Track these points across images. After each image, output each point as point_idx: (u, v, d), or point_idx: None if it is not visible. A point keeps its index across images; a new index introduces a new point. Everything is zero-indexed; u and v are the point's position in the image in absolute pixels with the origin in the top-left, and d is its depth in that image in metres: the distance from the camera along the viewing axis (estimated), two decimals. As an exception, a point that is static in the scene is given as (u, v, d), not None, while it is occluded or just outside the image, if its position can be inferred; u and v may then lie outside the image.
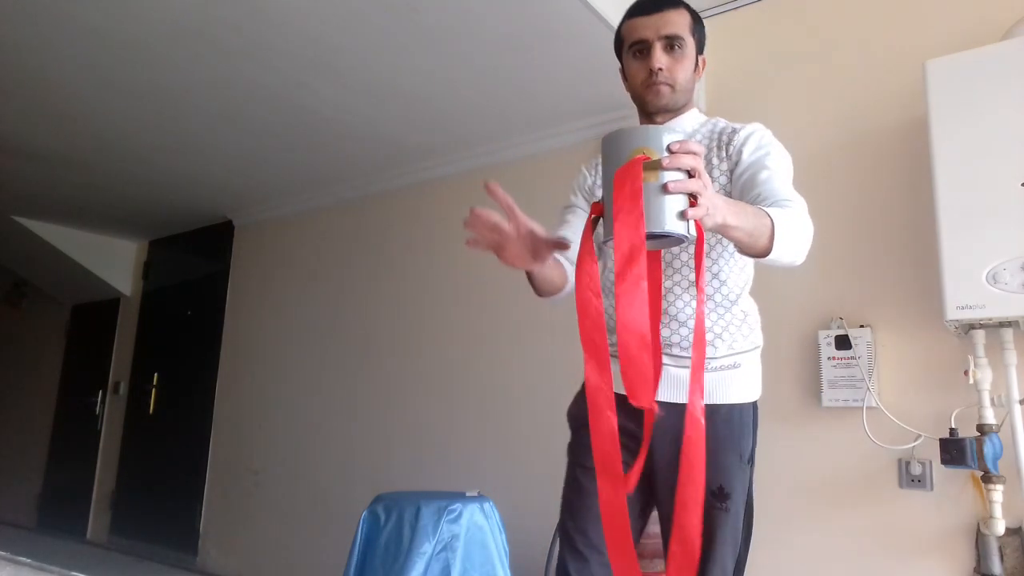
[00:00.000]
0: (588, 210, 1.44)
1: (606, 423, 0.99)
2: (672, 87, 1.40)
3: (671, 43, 1.39)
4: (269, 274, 4.70)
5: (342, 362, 4.08)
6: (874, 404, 2.29)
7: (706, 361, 1.34)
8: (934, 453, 2.11)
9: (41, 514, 5.86)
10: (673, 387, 1.34)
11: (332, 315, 4.20)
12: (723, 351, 1.35)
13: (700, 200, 0.95)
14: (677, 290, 1.36)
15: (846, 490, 2.34)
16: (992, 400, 2.06)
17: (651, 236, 0.95)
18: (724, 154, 1.41)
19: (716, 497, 1.28)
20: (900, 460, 2.25)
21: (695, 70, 1.44)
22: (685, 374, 1.33)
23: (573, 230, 1.45)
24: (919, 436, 2.21)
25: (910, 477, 2.22)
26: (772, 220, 1.14)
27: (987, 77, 2.03)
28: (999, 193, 1.95)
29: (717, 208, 0.99)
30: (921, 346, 2.28)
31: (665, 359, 1.34)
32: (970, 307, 1.95)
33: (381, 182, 4.06)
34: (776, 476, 2.47)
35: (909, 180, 2.34)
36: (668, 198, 0.93)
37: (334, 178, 4.17)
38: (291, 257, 4.57)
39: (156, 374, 5.30)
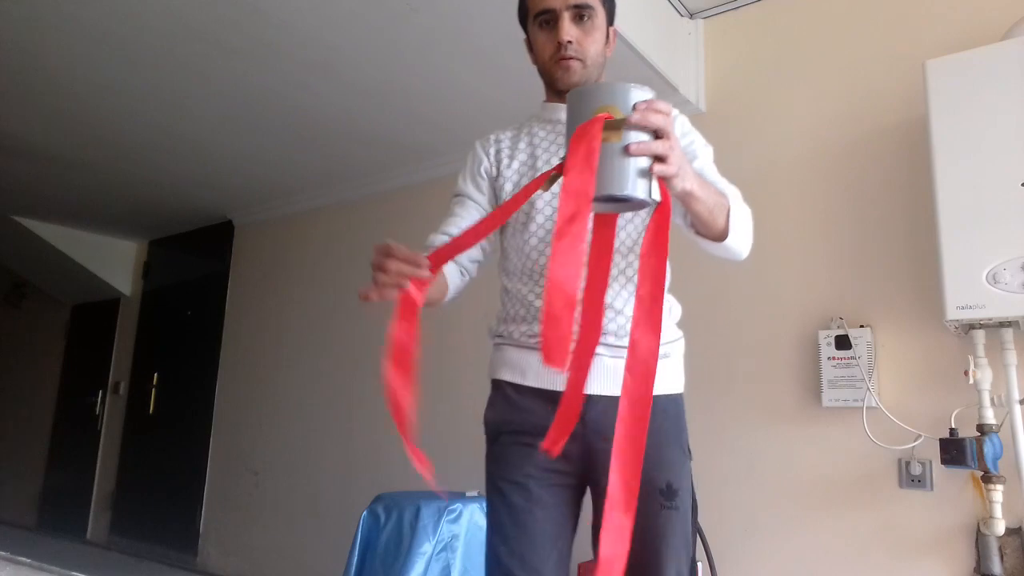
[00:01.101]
0: (483, 202, 1.39)
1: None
2: (583, 62, 1.30)
3: (580, 13, 1.28)
4: (269, 274, 4.69)
5: (342, 362, 4.08)
6: (874, 404, 2.29)
7: None
8: (934, 453, 2.11)
9: (41, 514, 5.86)
10: (609, 378, 1.25)
11: (332, 315, 4.20)
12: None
13: (669, 160, 0.89)
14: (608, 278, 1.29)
15: (846, 490, 2.34)
16: (992, 400, 2.06)
17: (610, 199, 0.88)
18: None
19: (665, 495, 1.22)
20: (900, 460, 2.25)
21: (606, 42, 1.34)
22: (622, 365, 1.28)
23: (461, 226, 1.35)
24: (919, 436, 2.21)
25: (910, 477, 2.22)
26: (728, 202, 1.11)
27: (987, 77, 2.03)
28: (999, 193, 1.95)
29: (686, 173, 0.93)
30: (921, 346, 2.28)
31: (600, 349, 1.24)
32: (970, 307, 1.95)
33: (381, 182, 4.05)
34: (776, 476, 2.47)
35: (909, 180, 2.34)
36: (631, 160, 0.87)
37: (334, 178, 4.17)
38: (291, 257, 4.57)
39: (156, 374, 5.30)
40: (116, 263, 5.65)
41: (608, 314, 1.27)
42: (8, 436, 6.50)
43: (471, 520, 2.46)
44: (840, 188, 2.51)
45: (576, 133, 0.87)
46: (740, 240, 1.16)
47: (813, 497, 2.39)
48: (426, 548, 2.35)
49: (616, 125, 0.87)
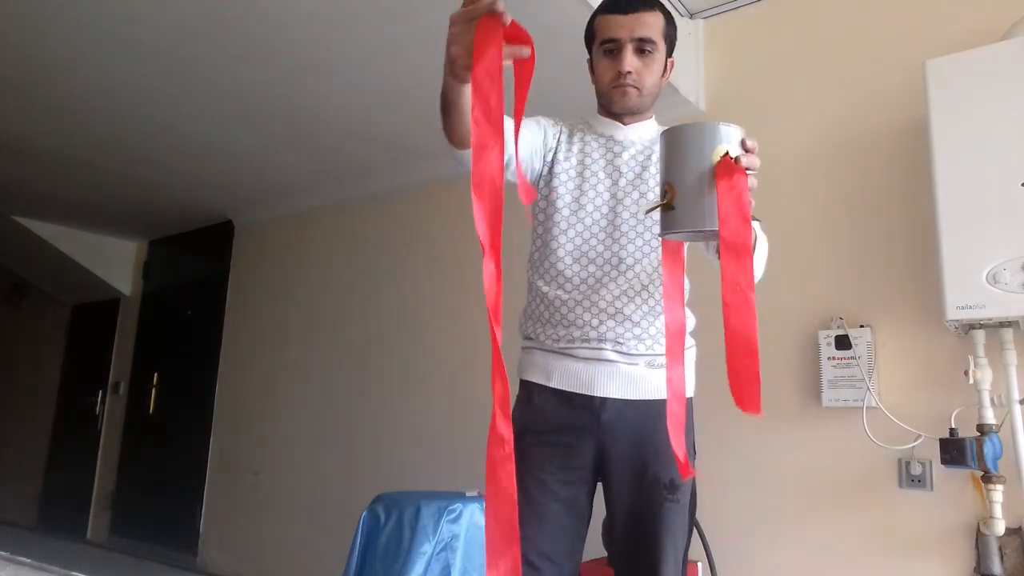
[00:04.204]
0: (544, 139, 1.43)
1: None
2: (640, 90, 1.41)
3: (642, 46, 1.39)
4: (269, 274, 4.69)
5: (342, 362, 4.08)
6: (874, 404, 2.29)
7: (653, 358, 1.37)
8: (934, 453, 2.11)
9: (41, 514, 5.86)
10: (624, 383, 1.36)
11: (332, 315, 4.20)
12: None
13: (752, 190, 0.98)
14: (631, 292, 1.38)
15: (846, 490, 2.34)
16: (992, 400, 2.06)
17: (700, 231, 0.96)
18: None
19: (668, 490, 1.32)
20: (900, 460, 2.25)
21: (663, 73, 1.45)
22: (636, 371, 1.36)
23: (528, 131, 1.40)
24: (919, 436, 2.21)
25: (910, 477, 2.22)
26: (756, 232, 1.20)
27: (987, 77, 2.03)
28: (999, 193, 1.95)
29: None
30: (921, 346, 2.28)
31: (617, 356, 1.36)
32: (970, 307, 1.95)
33: (381, 182, 4.05)
34: (776, 476, 2.47)
35: (909, 180, 2.34)
36: None
37: (334, 178, 4.17)
38: (291, 257, 4.57)
39: (156, 374, 5.30)
40: (116, 263, 5.65)
41: (626, 324, 1.37)
42: (8, 436, 6.50)
43: (471, 520, 2.45)
44: (840, 188, 2.51)
45: (722, 184, 0.93)
46: (760, 268, 1.25)
47: (813, 497, 2.39)
48: (426, 548, 2.35)
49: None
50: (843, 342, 2.36)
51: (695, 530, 2.32)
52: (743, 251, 0.90)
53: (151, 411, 5.26)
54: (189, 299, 5.24)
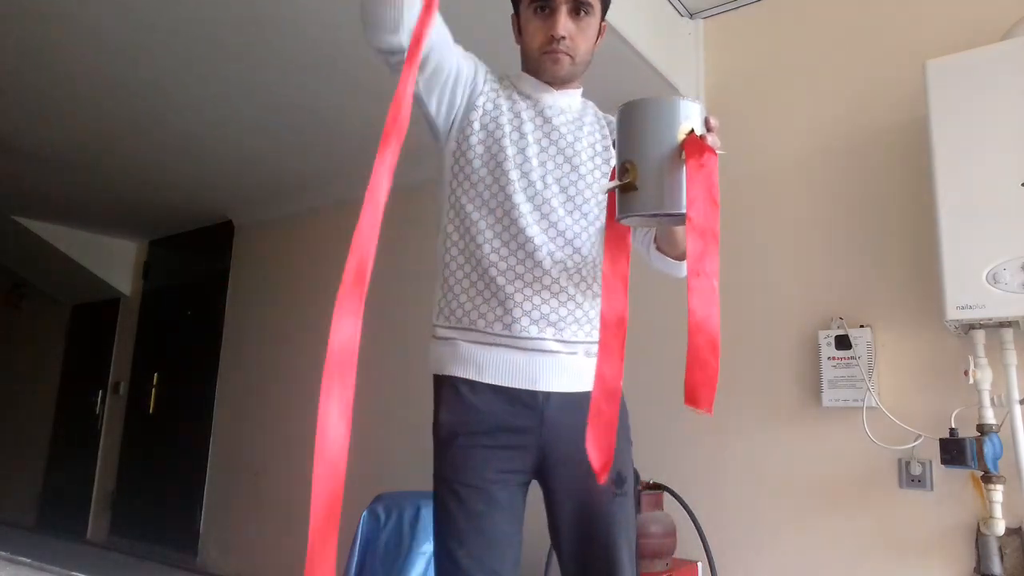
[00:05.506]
0: (467, 79, 1.30)
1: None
2: (573, 58, 1.29)
3: (579, 7, 1.26)
4: (269, 274, 4.69)
5: (342, 362, 4.08)
6: (874, 404, 2.29)
7: (590, 346, 1.28)
8: (934, 453, 2.11)
9: (41, 514, 5.86)
10: (569, 376, 1.27)
11: (331, 315, 4.20)
12: None
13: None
14: (571, 268, 1.30)
15: (846, 490, 2.34)
16: (992, 400, 2.06)
17: (664, 215, 0.89)
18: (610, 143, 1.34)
19: (616, 484, 1.26)
20: (900, 460, 2.25)
21: (596, 39, 1.33)
22: (576, 362, 1.28)
23: (456, 49, 1.27)
24: (919, 436, 2.21)
25: (910, 477, 2.22)
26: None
27: (987, 77, 2.03)
28: (999, 193, 1.95)
29: None
30: (921, 346, 2.28)
31: (558, 345, 1.27)
32: (970, 307, 1.95)
33: (381, 182, 4.05)
34: (776, 476, 2.47)
35: (909, 180, 2.34)
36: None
37: (334, 178, 4.17)
38: (291, 257, 4.57)
39: (156, 374, 5.30)
40: (116, 263, 5.65)
41: (569, 305, 1.28)
42: (8, 436, 6.50)
43: (471, 520, 2.46)
44: (840, 188, 2.51)
45: (691, 163, 0.86)
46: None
47: (813, 497, 2.39)
48: (426, 548, 2.35)
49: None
50: (843, 342, 2.36)
51: (696, 530, 2.33)
52: (710, 236, 0.84)
53: (151, 411, 5.26)
54: (189, 299, 5.24)
